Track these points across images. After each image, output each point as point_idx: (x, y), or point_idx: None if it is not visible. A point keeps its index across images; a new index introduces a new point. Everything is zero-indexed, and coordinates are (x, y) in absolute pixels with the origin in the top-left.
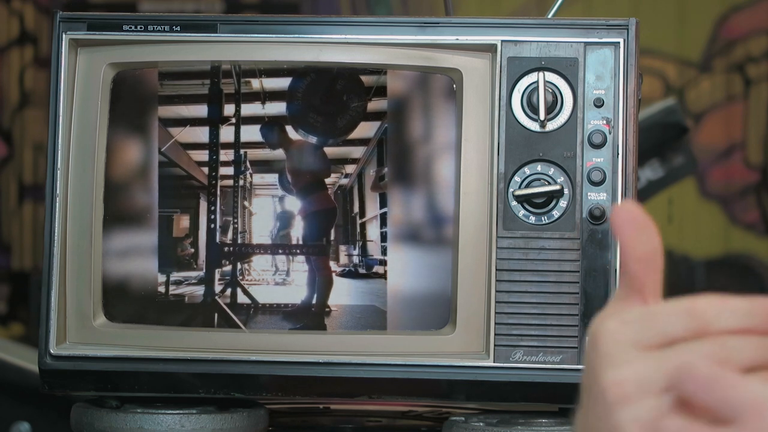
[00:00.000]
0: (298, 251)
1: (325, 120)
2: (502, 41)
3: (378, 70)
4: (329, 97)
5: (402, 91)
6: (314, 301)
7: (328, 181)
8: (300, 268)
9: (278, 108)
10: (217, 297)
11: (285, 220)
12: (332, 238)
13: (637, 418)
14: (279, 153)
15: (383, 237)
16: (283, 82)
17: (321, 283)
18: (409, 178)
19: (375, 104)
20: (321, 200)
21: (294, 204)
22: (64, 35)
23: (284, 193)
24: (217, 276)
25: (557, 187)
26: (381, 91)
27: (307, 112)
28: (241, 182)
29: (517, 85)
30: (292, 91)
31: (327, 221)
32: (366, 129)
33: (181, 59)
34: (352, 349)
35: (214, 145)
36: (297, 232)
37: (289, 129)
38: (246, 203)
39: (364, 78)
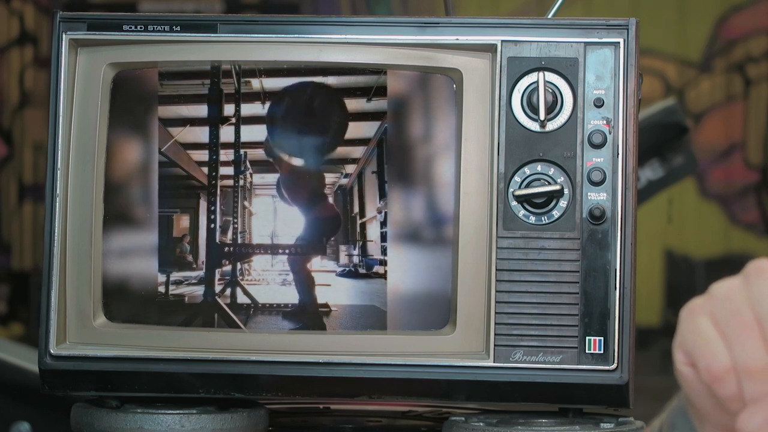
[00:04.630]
0: (297, 251)
1: (308, 142)
2: (502, 41)
3: (378, 70)
4: (309, 118)
5: (402, 91)
6: (306, 302)
7: (329, 189)
8: (284, 269)
9: (261, 132)
10: (217, 297)
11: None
12: (332, 238)
13: None
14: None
15: (383, 237)
16: (283, 82)
17: (300, 283)
18: (409, 178)
19: (375, 104)
20: (322, 209)
21: (297, 214)
22: (64, 35)
23: (289, 204)
24: (217, 276)
25: (557, 187)
26: (381, 91)
27: (289, 136)
28: (241, 182)
29: (517, 85)
30: (271, 115)
31: (330, 229)
32: (366, 129)
33: (181, 59)
34: (352, 349)
35: (214, 145)
36: (295, 232)
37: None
38: (246, 203)
39: (357, 78)
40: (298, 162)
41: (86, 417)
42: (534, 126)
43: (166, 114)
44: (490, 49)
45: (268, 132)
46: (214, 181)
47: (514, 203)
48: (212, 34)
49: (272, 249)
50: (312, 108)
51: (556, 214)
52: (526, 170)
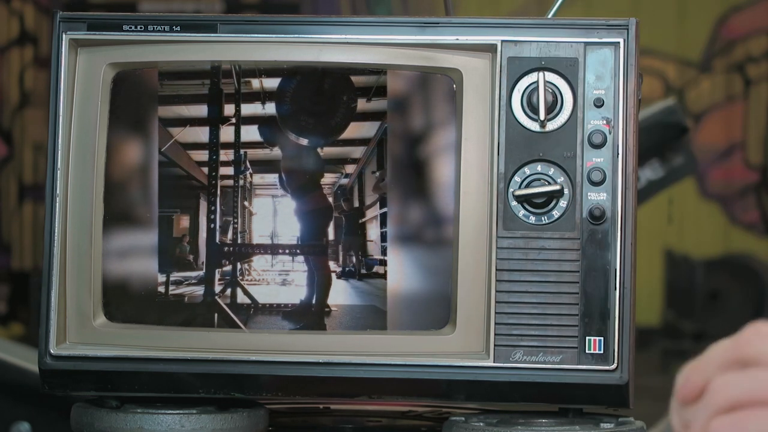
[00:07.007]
0: (297, 251)
1: (316, 121)
2: (502, 41)
3: (378, 70)
4: (319, 98)
5: (402, 91)
6: (314, 301)
7: (325, 181)
8: (299, 268)
9: (272, 108)
10: (217, 297)
11: (283, 220)
12: (332, 237)
13: None
14: (278, 153)
15: (383, 237)
16: (282, 82)
17: (320, 282)
18: (409, 178)
19: (375, 104)
20: (315, 199)
21: (291, 204)
22: (64, 35)
23: (284, 192)
24: (217, 276)
25: (557, 187)
26: (381, 91)
27: (297, 114)
28: (241, 182)
29: (517, 85)
30: (281, 92)
31: (323, 220)
32: (366, 129)
33: (181, 59)
34: (352, 349)
35: (214, 145)
36: (295, 231)
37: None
38: (246, 203)
39: (357, 78)
40: (303, 142)
41: (86, 417)
42: (534, 126)
43: (166, 114)
44: (490, 49)
45: (278, 111)
46: (214, 181)
47: (514, 203)
48: (212, 34)
49: (272, 249)
50: (323, 89)
51: (556, 214)
52: (526, 170)
